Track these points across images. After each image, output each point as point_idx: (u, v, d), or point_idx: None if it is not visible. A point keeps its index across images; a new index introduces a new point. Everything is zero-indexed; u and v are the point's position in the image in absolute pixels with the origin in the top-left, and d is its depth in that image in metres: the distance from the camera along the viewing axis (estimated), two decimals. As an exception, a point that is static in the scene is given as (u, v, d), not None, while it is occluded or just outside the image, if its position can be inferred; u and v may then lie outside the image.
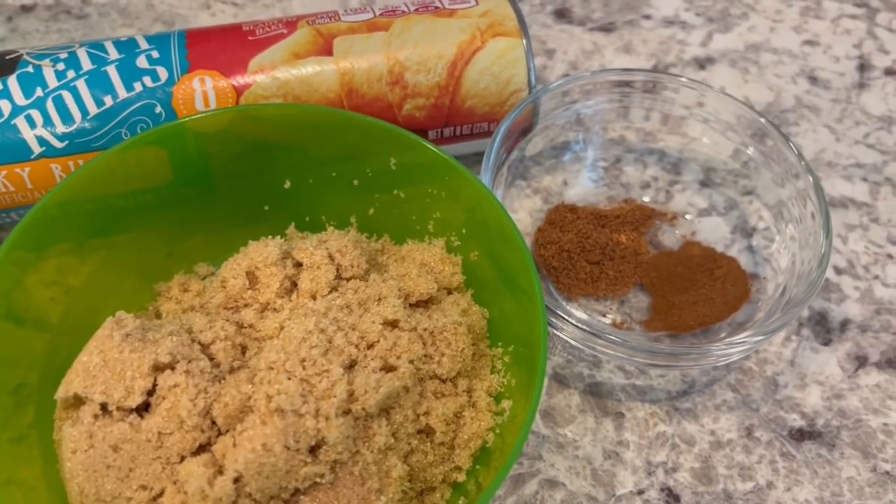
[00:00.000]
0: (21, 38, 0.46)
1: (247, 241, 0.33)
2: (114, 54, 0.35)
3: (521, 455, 0.33)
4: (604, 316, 0.37)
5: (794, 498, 0.33)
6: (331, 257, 0.32)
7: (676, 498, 0.33)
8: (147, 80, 0.34)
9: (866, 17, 0.51)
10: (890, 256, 0.40)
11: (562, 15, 0.49)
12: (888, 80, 0.48)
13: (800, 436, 0.34)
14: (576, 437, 0.34)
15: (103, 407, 0.27)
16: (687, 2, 0.51)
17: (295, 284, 0.32)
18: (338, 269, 0.32)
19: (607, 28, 0.49)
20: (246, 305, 0.31)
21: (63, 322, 0.32)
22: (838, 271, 0.39)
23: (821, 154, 0.44)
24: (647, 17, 0.50)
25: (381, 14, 0.37)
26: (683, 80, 0.39)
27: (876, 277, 0.39)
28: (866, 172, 0.43)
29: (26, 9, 0.47)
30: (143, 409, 0.27)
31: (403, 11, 0.37)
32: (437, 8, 0.37)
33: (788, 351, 0.37)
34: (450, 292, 0.33)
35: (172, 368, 0.27)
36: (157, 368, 0.27)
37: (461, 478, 0.30)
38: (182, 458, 0.27)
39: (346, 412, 0.27)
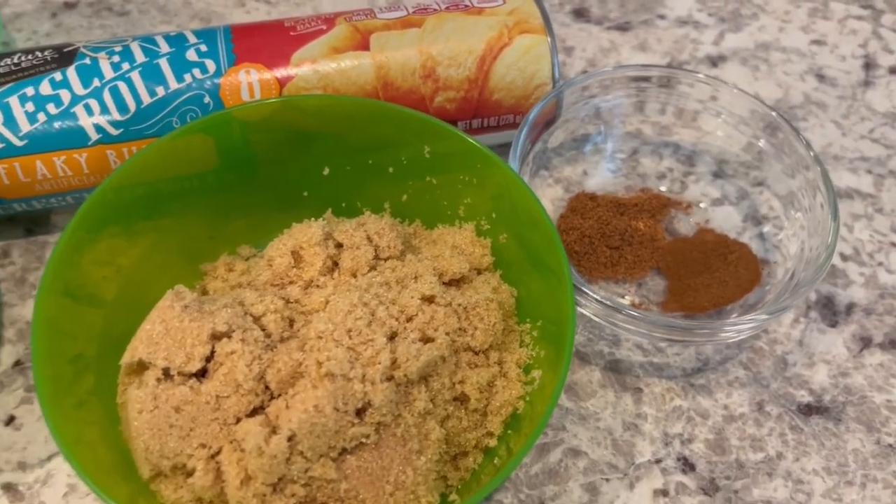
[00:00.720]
0: (65, 33, 0.48)
1: (286, 226, 0.35)
2: (165, 48, 0.37)
3: (546, 425, 0.35)
4: (622, 298, 0.39)
5: (802, 468, 0.35)
6: (369, 239, 0.34)
7: (692, 467, 0.35)
8: (196, 72, 0.36)
9: (871, 18, 0.53)
10: (893, 244, 0.42)
11: (580, 14, 0.52)
12: (892, 78, 0.50)
13: (808, 410, 0.37)
14: (597, 409, 0.36)
15: (165, 372, 0.29)
16: (700, 2, 0.53)
17: (336, 264, 0.34)
18: (376, 250, 0.34)
19: (623, 27, 0.51)
20: (291, 283, 0.33)
21: (118, 299, 0.34)
22: (844, 258, 0.42)
23: (828, 148, 0.46)
24: (662, 16, 0.52)
25: (415, 12, 0.39)
26: (700, 76, 0.41)
27: (880, 264, 0.41)
28: (871, 165, 0.45)
29: (69, 5, 0.50)
30: (201, 374, 0.30)
31: (435, 9, 0.40)
32: (466, 6, 0.40)
33: (797, 332, 0.39)
34: (480, 272, 0.36)
35: (229, 337, 0.29)
36: (215, 337, 0.29)
37: (493, 443, 0.32)
38: (238, 420, 0.29)
39: (390, 378, 0.29)
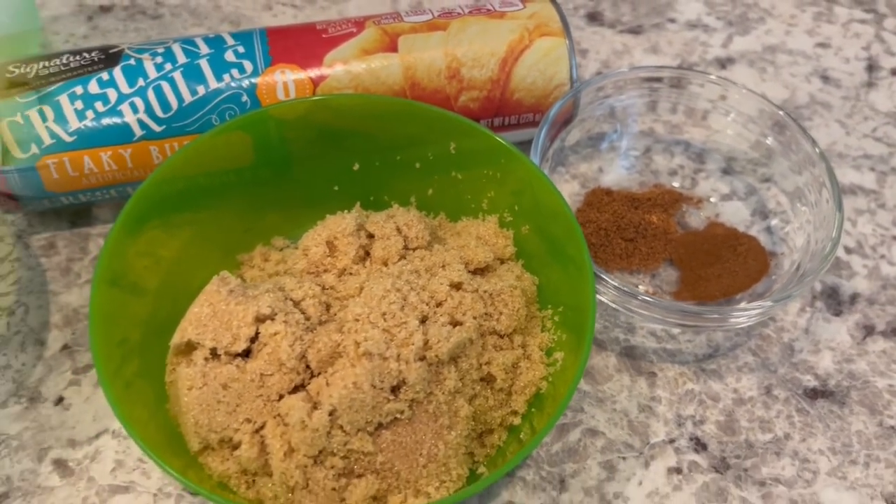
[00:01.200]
0: (101, 35, 0.50)
1: (316, 219, 0.37)
2: (204, 49, 0.39)
3: (568, 405, 0.37)
4: (637, 287, 0.41)
5: (808, 448, 0.37)
6: (398, 230, 0.36)
7: (704, 446, 0.37)
8: (234, 72, 0.39)
9: (874, 22, 0.55)
10: (895, 238, 0.44)
11: (594, 18, 0.54)
12: (894, 79, 0.52)
13: (813, 394, 0.38)
14: (613, 393, 0.38)
15: (213, 351, 0.31)
16: (709, 6, 0.55)
17: (368, 253, 0.36)
18: (405, 241, 0.36)
19: (636, 30, 0.53)
20: (326, 271, 0.35)
21: (161, 288, 0.36)
22: (848, 251, 0.44)
23: (832, 146, 0.48)
24: (672, 20, 0.54)
25: (440, 15, 0.41)
26: (711, 77, 0.43)
27: (882, 257, 0.43)
28: (874, 163, 0.47)
29: (105, 9, 0.52)
30: (245, 354, 0.32)
31: (459, 13, 0.42)
32: (489, 10, 0.42)
33: (803, 320, 0.41)
34: (503, 262, 0.38)
35: (272, 319, 0.31)
36: (259, 319, 0.31)
37: (517, 421, 0.34)
38: (280, 397, 0.31)
39: (422, 358, 0.31)
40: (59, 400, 0.37)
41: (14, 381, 0.37)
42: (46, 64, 0.38)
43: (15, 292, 0.40)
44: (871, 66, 0.52)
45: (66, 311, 0.39)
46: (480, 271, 0.37)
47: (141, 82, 0.38)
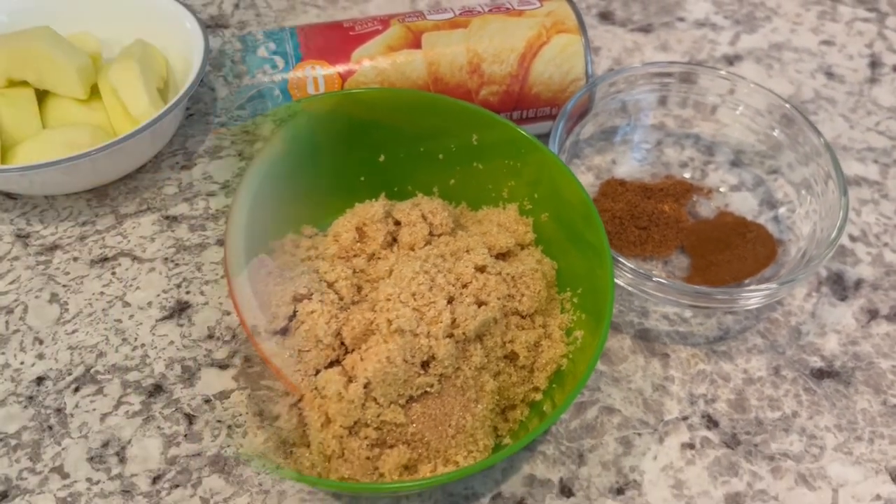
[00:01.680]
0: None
1: (343, 209, 0.39)
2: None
3: (588, 381, 0.39)
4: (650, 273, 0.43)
5: (815, 425, 0.39)
6: (424, 217, 0.38)
7: (715, 423, 0.38)
8: (267, 68, 0.40)
9: (877, 21, 0.57)
10: (898, 227, 0.46)
11: (606, 17, 0.56)
12: (897, 75, 0.54)
13: (820, 374, 0.40)
14: (629, 373, 0.40)
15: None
16: (716, 5, 0.57)
17: (395, 239, 0.38)
18: (430, 227, 0.38)
19: (646, 29, 0.55)
20: (356, 255, 0.37)
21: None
22: (853, 239, 0.45)
23: (837, 139, 0.50)
24: (681, 19, 0.56)
25: (461, 14, 0.43)
26: (721, 72, 0.45)
27: (886, 244, 0.45)
28: (877, 155, 0.49)
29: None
30: (283, 332, 0.33)
31: (479, 11, 0.43)
32: (508, 9, 0.44)
33: (810, 305, 0.43)
34: (523, 248, 0.39)
35: (309, 298, 0.33)
36: (297, 299, 0.33)
37: (538, 397, 0.35)
38: (317, 371, 0.33)
39: (450, 335, 0.33)
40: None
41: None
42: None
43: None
44: (874, 63, 0.54)
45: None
46: (502, 256, 0.38)
47: (178, 77, 0.40)
